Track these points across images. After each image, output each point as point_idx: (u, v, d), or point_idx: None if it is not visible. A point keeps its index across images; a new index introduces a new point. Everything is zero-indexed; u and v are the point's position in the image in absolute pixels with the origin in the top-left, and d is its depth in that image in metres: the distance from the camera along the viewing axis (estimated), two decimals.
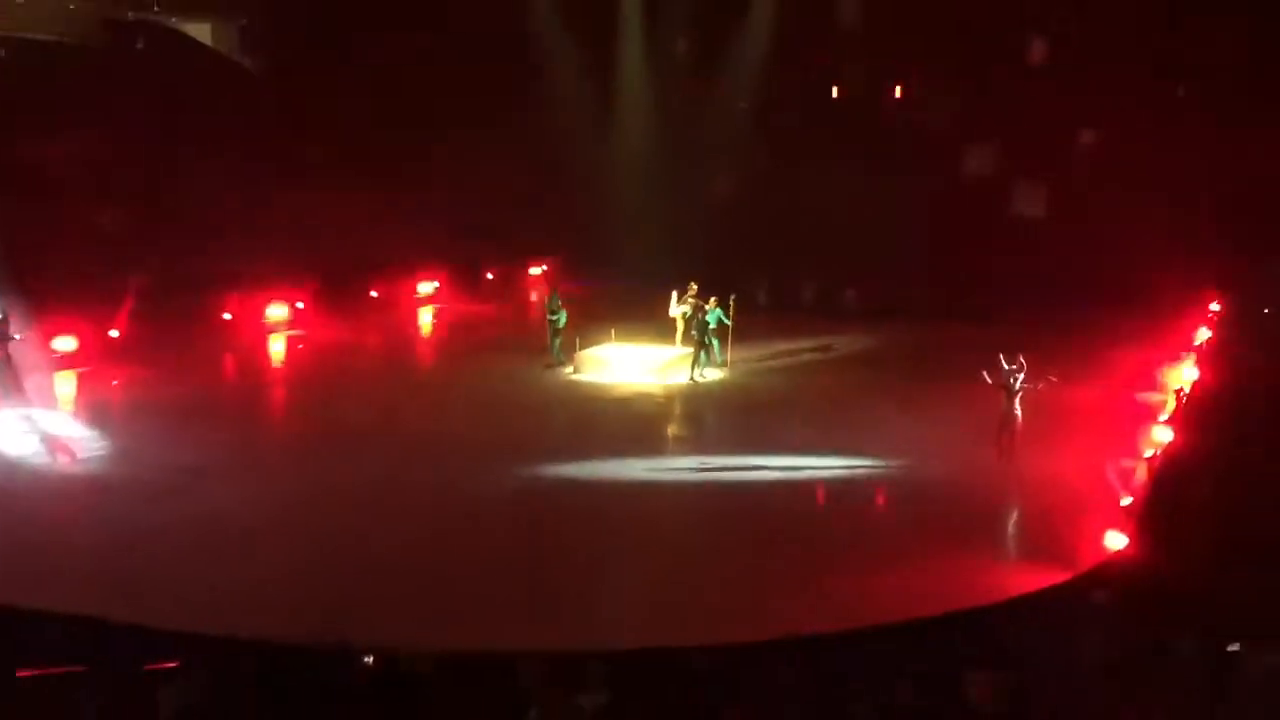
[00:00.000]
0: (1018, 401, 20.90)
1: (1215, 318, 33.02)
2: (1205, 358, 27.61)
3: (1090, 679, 9.71)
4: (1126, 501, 18.13)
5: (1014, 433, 20.97)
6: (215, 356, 30.81)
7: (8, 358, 24.49)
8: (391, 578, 15.99)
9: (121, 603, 14.38)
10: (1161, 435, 20.90)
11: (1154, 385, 27.03)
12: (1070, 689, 9.61)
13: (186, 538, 17.30)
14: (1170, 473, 19.01)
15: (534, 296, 39.99)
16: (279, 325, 34.45)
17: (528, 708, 9.45)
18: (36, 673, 10.47)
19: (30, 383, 24.64)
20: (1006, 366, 20.96)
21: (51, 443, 22.09)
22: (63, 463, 21.22)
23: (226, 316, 33.61)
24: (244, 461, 21.58)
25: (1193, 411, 22.56)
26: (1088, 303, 37.20)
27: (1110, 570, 15.35)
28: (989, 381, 21.02)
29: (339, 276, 37.77)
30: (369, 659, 9.69)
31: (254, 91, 46.41)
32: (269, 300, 34.75)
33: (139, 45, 45.41)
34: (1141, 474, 19.76)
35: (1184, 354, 28.56)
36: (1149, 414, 23.66)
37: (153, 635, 13.16)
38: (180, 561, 16.40)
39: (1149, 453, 20.49)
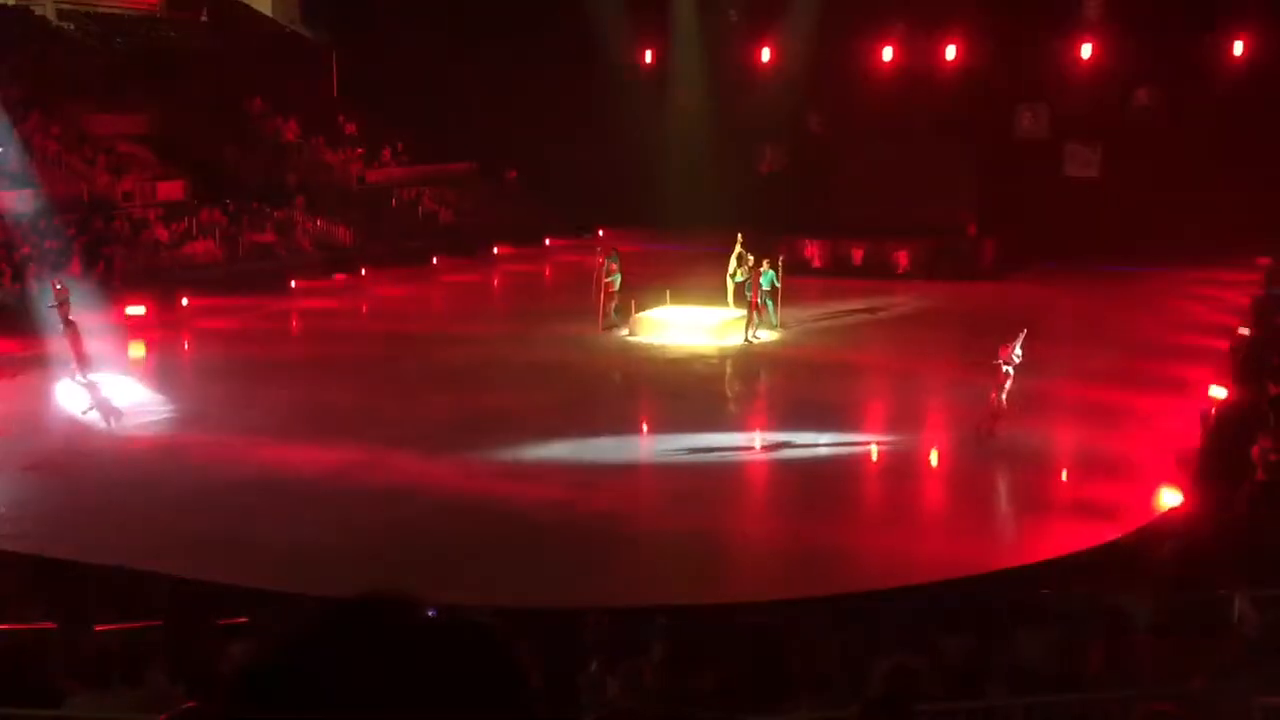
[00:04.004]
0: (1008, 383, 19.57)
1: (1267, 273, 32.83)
2: (1256, 316, 27.51)
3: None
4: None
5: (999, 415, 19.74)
6: None
7: (73, 326, 24.86)
8: (449, 536, 16.32)
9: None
10: (1216, 392, 20.89)
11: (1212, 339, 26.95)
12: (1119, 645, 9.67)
13: None
14: (1225, 428, 19.02)
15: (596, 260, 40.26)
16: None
17: (588, 661, 9.61)
18: (112, 627, 10.83)
19: (95, 350, 25.09)
20: (1019, 346, 19.47)
21: (106, 406, 22.48)
22: (122, 426, 21.66)
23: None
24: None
25: (1244, 368, 22.53)
26: (1142, 263, 37.04)
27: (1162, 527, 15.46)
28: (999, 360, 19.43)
29: None
30: (432, 612, 9.89)
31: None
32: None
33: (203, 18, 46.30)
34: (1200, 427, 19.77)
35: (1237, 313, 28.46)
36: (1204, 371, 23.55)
37: (223, 591, 13.57)
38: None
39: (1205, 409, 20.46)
